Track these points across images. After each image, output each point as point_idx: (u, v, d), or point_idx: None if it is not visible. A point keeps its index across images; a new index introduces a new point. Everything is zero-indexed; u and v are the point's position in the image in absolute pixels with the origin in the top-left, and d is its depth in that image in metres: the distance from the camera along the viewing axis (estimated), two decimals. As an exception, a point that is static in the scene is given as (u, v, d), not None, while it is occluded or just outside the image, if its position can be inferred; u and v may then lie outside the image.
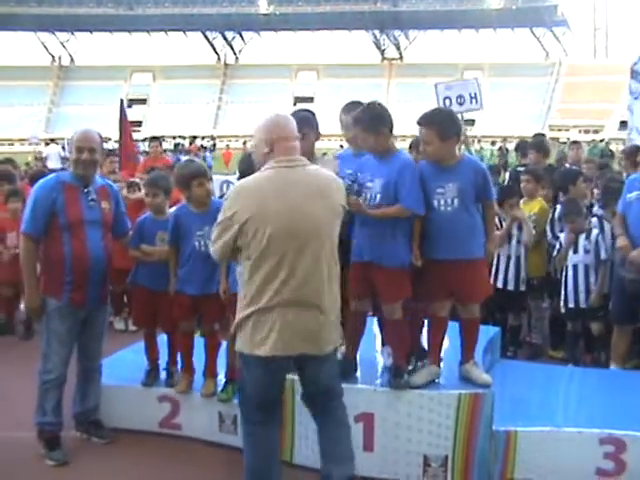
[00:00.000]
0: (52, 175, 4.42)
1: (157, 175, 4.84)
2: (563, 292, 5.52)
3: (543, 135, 10.29)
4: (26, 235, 4.12)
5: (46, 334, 4.19)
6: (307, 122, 4.04)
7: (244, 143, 35.64)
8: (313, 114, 4.19)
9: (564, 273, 5.55)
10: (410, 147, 4.38)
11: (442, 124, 3.78)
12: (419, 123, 3.81)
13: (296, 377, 3.57)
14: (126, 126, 9.03)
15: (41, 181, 4.26)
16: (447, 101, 8.30)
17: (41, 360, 4.20)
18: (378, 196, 3.73)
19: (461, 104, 8.26)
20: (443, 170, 3.77)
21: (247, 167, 4.00)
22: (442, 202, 3.75)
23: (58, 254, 4.11)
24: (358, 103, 4.10)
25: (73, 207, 4.14)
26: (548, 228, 5.96)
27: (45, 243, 4.16)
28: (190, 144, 39.87)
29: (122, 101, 9.43)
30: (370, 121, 3.73)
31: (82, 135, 4.23)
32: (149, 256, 4.49)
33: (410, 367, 4.01)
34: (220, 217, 3.27)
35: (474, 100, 8.35)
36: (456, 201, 3.74)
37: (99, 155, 4.29)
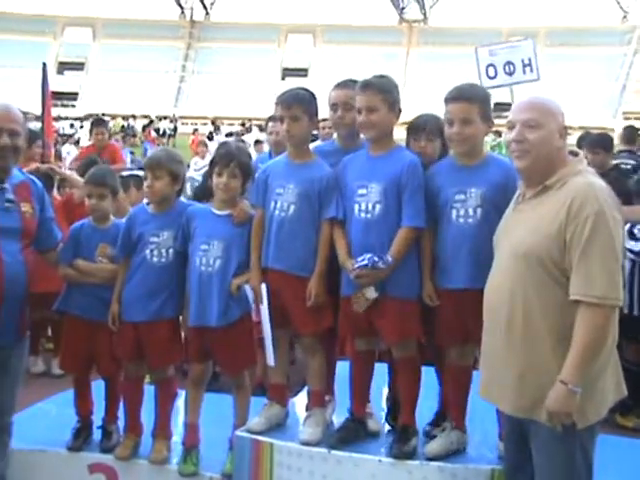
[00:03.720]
0: None
1: (103, 170, 4.83)
2: None
3: (634, 128, 10.30)
4: None
5: None
6: (301, 101, 4.19)
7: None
8: (313, 95, 4.30)
9: None
10: (409, 131, 4.42)
11: (486, 100, 3.93)
12: (454, 98, 3.90)
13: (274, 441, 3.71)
14: (47, 100, 9.12)
15: None
16: (490, 70, 7.99)
17: None
18: (378, 207, 3.96)
19: (510, 73, 7.95)
20: (464, 170, 3.92)
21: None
22: (461, 212, 3.88)
23: None
24: (353, 82, 4.21)
25: None
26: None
27: None
28: (144, 129, 39.86)
29: (45, 65, 9.51)
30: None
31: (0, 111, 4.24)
32: (87, 277, 4.53)
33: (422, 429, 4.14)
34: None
35: (528, 68, 7.97)
36: (479, 211, 3.87)
37: (22, 140, 4.31)
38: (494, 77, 7.78)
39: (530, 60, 8.18)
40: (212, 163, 4.40)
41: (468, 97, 3.87)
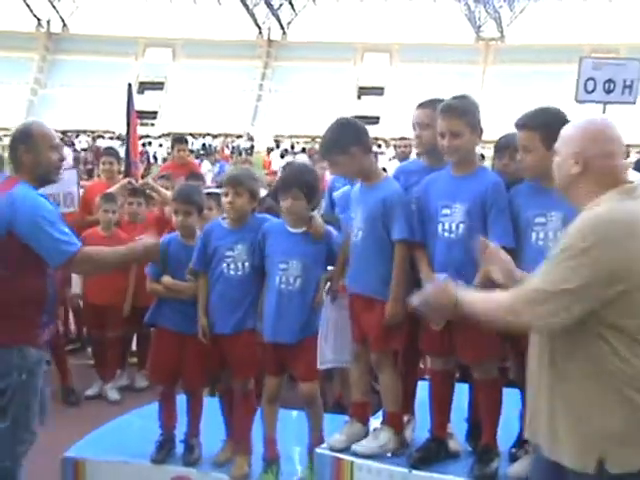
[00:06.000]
0: None
1: (190, 188, 5.00)
2: None
3: None
4: None
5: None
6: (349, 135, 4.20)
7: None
8: (360, 124, 4.31)
9: None
10: (496, 150, 4.44)
11: (549, 126, 3.72)
12: (517, 125, 3.88)
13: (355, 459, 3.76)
14: (132, 119, 9.30)
15: None
16: (590, 84, 7.73)
17: None
18: (461, 227, 3.94)
19: (609, 92, 7.66)
20: (545, 193, 3.82)
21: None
22: (541, 235, 3.86)
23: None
24: (438, 101, 4.20)
25: None
26: None
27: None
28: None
29: (130, 86, 9.70)
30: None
31: None
32: (176, 293, 4.64)
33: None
34: (579, 270, 2.72)
35: (628, 90, 7.70)
36: (559, 235, 3.80)
37: None
38: (591, 92, 7.60)
39: (632, 82, 7.81)
40: (277, 186, 4.49)
41: (524, 124, 3.82)
